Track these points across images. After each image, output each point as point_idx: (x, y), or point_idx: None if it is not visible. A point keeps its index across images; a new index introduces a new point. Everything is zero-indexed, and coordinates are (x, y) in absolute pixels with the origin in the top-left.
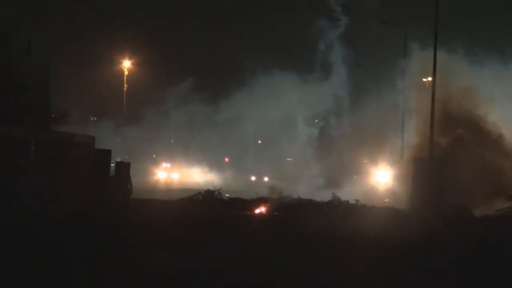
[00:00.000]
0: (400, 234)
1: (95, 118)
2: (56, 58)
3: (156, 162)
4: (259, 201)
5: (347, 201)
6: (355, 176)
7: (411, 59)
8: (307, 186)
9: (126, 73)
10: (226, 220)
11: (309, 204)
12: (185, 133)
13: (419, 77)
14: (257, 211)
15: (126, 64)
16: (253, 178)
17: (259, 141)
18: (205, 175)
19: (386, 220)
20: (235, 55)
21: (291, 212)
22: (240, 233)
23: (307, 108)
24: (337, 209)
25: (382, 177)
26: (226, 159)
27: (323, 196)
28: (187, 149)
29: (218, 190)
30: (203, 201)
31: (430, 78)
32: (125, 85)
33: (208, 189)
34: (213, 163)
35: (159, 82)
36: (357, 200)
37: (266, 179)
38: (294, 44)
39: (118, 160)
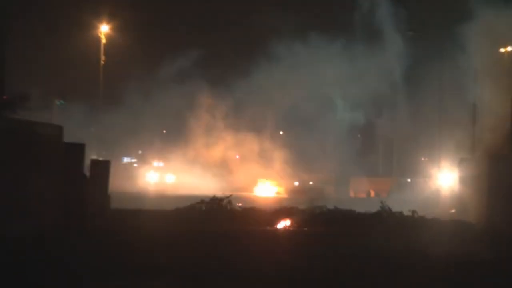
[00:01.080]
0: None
1: (62, 102)
2: (11, 24)
3: (143, 160)
4: (281, 213)
5: (400, 213)
6: (408, 180)
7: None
8: (345, 191)
9: (103, 41)
10: (242, 238)
11: (349, 216)
12: (183, 121)
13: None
14: (281, 225)
15: (104, 30)
16: (296, 183)
17: (281, 132)
18: (210, 178)
19: (455, 238)
20: (251, 16)
21: (326, 227)
22: (264, 257)
23: (348, 87)
24: (387, 223)
25: (445, 180)
26: (237, 156)
27: (368, 205)
28: (186, 143)
29: (227, 197)
30: (207, 212)
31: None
32: (102, 58)
33: (214, 196)
34: (221, 162)
35: (148, 54)
36: (413, 211)
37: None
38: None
39: (94, 158)
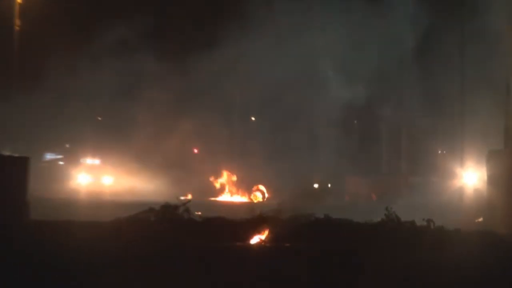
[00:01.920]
0: None
1: None
2: None
3: (73, 157)
4: (255, 223)
5: (412, 222)
6: (421, 179)
7: None
8: (339, 194)
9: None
10: (203, 258)
11: (344, 228)
12: (125, 106)
13: None
14: (254, 240)
15: None
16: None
17: (253, 118)
18: (161, 178)
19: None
20: None
21: (313, 242)
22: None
23: (343, 61)
24: (395, 237)
25: (470, 179)
26: (195, 150)
27: (368, 212)
28: (129, 135)
29: (184, 204)
30: (157, 223)
31: None
32: (16, 23)
33: (166, 202)
34: (175, 158)
35: (80, 20)
36: (429, 221)
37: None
38: None
39: (7, 154)
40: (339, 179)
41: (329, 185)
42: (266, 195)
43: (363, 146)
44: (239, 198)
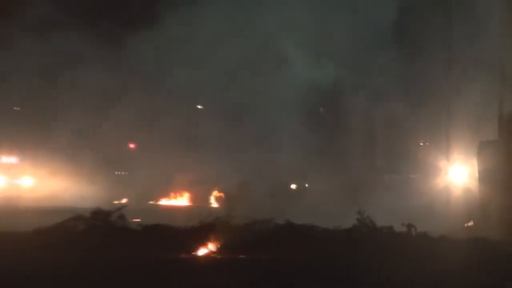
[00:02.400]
0: None
1: None
2: None
3: None
4: (203, 231)
5: (389, 228)
6: (397, 176)
7: None
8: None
9: None
10: (140, 273)
11: (310, 235)
12: (47, 94)
13: None
14: (202, 251)
15: None
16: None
17: (199, 106)
18: (92, 179)
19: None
20: None
21: (272, 253)
22: None
23: (309, 39)
24: (369, 245)
25: (457, 175)
26: (131, 145)
27: (337, 215)
28: (53, 128)
29: (118, 209)
30: (87, 232)
31: None
32: None
33: (98, 208)
34: (109, 155)
35: None
36: (409, 225)
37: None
38: None
39: None
40: (301, 177)
41: (307, 185)
42: (224, 198)
43: (328, 138)
44: (186, 202)
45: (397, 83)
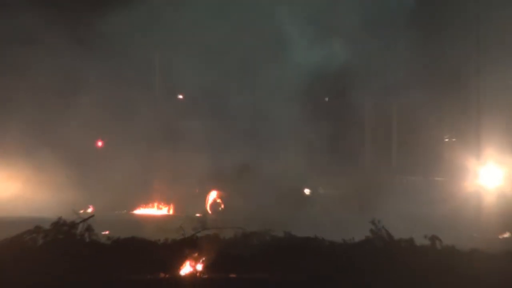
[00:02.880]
0: None
1: None
2: None
3: None
4: (186, 246)
5: (410, 240)
6: (415, 179)
7: None
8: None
9: None
10: None
11: (314, 250)
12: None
13: None
14: (186, 269)
15: None
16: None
17: (180, 96)
18: (51, 185)
19: None
20: None
21: (269, 272)
22: None
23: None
24: (385, 261)
25: (489, 178)
26: (99, 143)
27: (347, 225)
28: (4, 122)
29: (84, 220)
30: (47, 247)
31: None
32: None
33: (59, 218)
34: (71, 155)
35: None
36: (433, 237)
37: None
38: None
39: None
40: (300, 179)
41: (321, 190)
42: (215, 206)
43: (339, 134)
44: (167, 211)
45: (418, 68)
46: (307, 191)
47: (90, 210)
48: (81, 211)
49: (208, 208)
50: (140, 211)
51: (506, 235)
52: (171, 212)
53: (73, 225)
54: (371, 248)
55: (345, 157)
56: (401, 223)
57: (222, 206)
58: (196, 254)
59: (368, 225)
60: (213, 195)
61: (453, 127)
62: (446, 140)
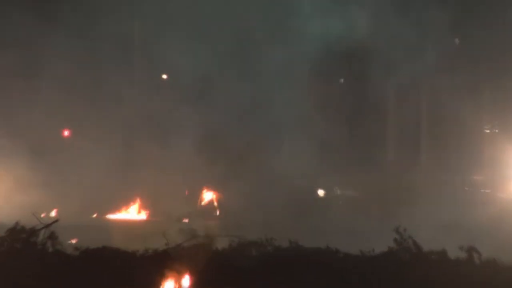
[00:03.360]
0: None
1: None
2: None
3: None
4: (168, 259)
5: (442, 252)
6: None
7: None
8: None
9: None
10: None
11: (325, 263)
12: None
13: None
14: (171, 287)
15: None
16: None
17: (164, 76)
18: (7, 183)
19: None
20: None
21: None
22: None
23: None
24: (412, 277)
25: None
26: (66, 132)
27: (365, 233)
28: None
29: (47, 226)
30: (2, 258)
31: None
32: None
33: (16, 223)
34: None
35: None
36: (470, 249)
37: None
38: None
39: None
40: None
41: (338, 191)
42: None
43: (357, 124)
44: (147, 215)
45: (454, 45)
46: (320, 192)
47: (53, 213)
48: (43, 215)
49: (198, 212)
50: (115, 215)
51: None
52: (152, 217)
53: (33, 231)
54: (395, 261)
55: (365, 152)
56: (431, 231)
57: (217, 209)
58: (182, 268)
59: (392, 234)
60: (205, 197)
61: (495, 116)
62: (487, 131)
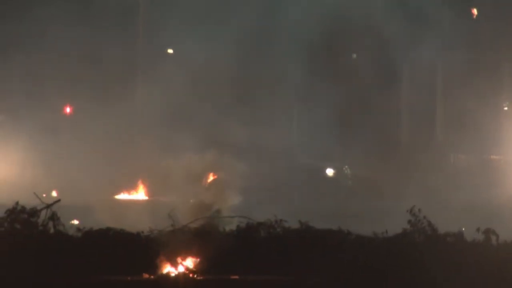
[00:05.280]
0: None
1: None
2: None
3: None
4: (173, 239)
5: (458, 234)
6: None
7: None
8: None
9: None
10: None
11: (337, 245)
12: None
13: None
14: (176, 268)
15: None
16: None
17: (170, 50)
18: (7, 163)
19: None
20: None
21: (281, 273)
22: None
23: None
24: (428, 260)
25: None
26: (67, 109)
27: (378, 214)
28: None
29: (48, 206)
30: (2, 240)
31: None
32: None
33: (17, 203)
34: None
35: None
36: (488, 231)
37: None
38: None
39: None
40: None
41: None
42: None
43: (368, 99)
44: (152, 195)
45: (470, 19)
46: (329, 172)
47: (55, 194)
48: (44, 195)
49: (205, 192)
50: (119, 195)
51: None
52: (157, 196)
53: (34, 212)
54: (409, 243)
55: (378, 129)
56: (447, 213)
57: (224, 190)
58: (188, 250)
59: (406, 216)
60: (212, 176)
61: None
62: (505, 108)
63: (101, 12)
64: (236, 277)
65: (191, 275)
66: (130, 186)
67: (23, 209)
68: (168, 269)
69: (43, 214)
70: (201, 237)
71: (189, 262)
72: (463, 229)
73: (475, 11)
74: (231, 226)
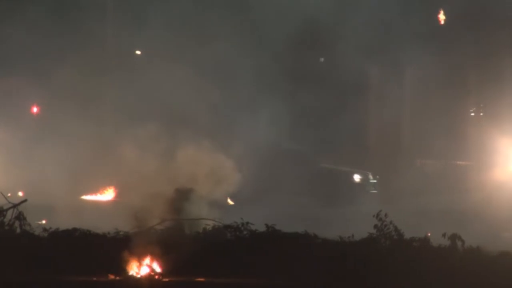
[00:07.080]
0: None
1: None
2: None
3: None
4: (140, 241)
5: (424, 239)
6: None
7: None
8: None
9: None
10: None
11: (301, 248)
12: None
13: None
14: (143, 270)
15: None
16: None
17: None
18: None
19: None
20: None
21: (244, 275)
22: None
23: None
24: (393, 265)
25: None
26: (35, 109)
27: (347, 220)
28: None
29: (15, 206)
30: None
31: None
32: None
33: None
34: None
35: None
36: (453, 237)
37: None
38: None
39: None
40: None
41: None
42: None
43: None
44: (119, 196)
45: (437, 24)
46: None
47: (21, 194)
48: (9, 195)
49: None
50: (86, 196)
51: None
52: (124, 197)
53: (0, 211)
54: (375, 248)
55: (346, 133)
56: (414, 218)
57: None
58: (154, 251)
59: (372, 220)
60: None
61: (481, 98)
62: (472, 114)
63: (71, 9)
64: (202, 279)
65: (156, 276)
66: (98, 187)
67: None
68: (133, 270)
69: (9, 214)
70: (167, 239)
71: (155, 264)
72: (429, 234)
73: (442, 16)
74: (197, 228)
